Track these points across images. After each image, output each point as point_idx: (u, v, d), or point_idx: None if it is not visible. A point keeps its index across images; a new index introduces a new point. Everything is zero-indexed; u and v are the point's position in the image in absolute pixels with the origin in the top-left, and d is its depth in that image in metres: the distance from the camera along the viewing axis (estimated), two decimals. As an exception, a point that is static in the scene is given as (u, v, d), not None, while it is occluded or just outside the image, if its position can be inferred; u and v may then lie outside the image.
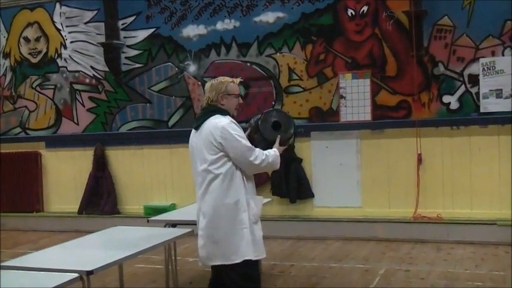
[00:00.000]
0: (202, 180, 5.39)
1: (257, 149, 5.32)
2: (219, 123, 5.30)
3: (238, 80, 5.69)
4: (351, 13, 10.10)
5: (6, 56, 12.62)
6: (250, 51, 10.74)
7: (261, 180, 10.01)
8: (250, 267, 5.33)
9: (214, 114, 5.40)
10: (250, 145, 5.30)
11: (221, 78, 5.61)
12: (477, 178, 9.51)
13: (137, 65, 11.54)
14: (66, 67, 12.11)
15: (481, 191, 9.49)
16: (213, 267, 5.52)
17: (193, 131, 5.59)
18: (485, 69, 9.37)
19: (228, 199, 5.26)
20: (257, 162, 5.27)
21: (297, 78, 10.45)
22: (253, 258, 5.29)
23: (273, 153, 5.44)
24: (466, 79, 9.54)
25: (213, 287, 5.62)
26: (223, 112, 5.44)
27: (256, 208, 5.40)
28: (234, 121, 5.38)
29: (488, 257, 8.54)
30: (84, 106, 11.99)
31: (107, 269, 5.25)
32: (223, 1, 10.85)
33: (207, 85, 5.60)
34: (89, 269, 4.91)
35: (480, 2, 9.40)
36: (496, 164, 9.41)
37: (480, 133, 9.49)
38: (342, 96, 10.12)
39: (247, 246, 5.25)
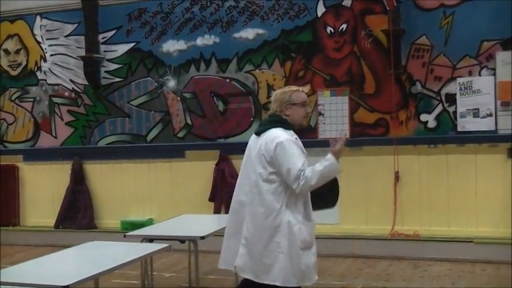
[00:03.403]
0: (249, 190, 5.29)
1: (304, 171, 5.06)
2: (277, 138, 5.19)
3: (306, 88, 5.58)
4: (330, 31, 10.17)
5: (-15, 68, 12.58)
6: (230, 67, 10.77)
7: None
8: None
9: (278, 126, 5.31)
10: (298, 168, 5.06)
11: (286, 88, 5.51)
12: (454, 196, 9.57)
13: (117, 79, 11.53)
14: (45, 80, 12.07)
15: (458, 208, 9.54)
16: (244, 279, 5.42)
17: (254, 135, 5.48)
18: (462, 88, 9.46)
19: (269, 220, 5.14)
20: (299, 189, 5.07)
21: (276, 94, 10.46)
22: (292, 285, 5.15)
23: (319, 170, 5.12)
24: (444, 98, 9.63)
25: None
26: (287, 126, 5.34)
27: (307, 235, 5.23)
28: (293, 138, 5.25)
29: (464, 274, 8.58)
30: (62, 119, 11.95)
31: (83, 284, 5.21)
32: (203, 17, 10.88)
33: (273, 95, 5.50)
34: (65, 284, 4.84)
35: (457, 22, 9.50)
36: (473, 182, 9.48)
37: (457, 151, 9.57)
38: (320, 113, 10.17)
39: (281, 271, 5.10)
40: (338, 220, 10.16)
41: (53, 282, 4.95)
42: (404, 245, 9.63)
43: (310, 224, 5.34)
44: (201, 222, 8.34)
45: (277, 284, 5.12)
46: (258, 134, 5.40)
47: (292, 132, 5.34)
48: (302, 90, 5.45)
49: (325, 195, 5.58)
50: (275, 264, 5.11)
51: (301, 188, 5.07)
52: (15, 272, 5.60)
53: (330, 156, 5.22)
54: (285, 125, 5.34)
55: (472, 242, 9.30)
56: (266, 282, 5.15)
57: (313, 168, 5.10)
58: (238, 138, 10.49)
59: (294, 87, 5.48)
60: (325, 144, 10.05)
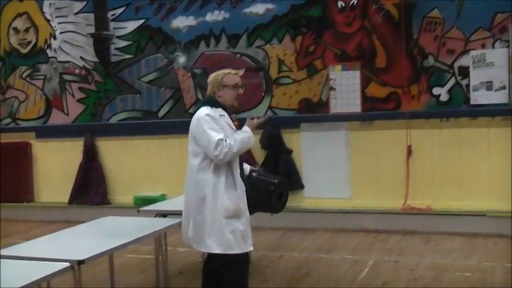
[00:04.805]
0: (188, 165, 5.56)
1: (222, 142, 5.24)
2: (198, 114, 5.44)
3: (240, 71, 5.73)
4: (341, 5, 10.11)
5: (-4, 46, 12.59)
6: (240, 43, 10.73)
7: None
8: (232, 257, 5.38)
9: (206, 105, 5.50)
10: (217, 138, 5.25)
11: (220, 71, 5.68)
12: (466, 170, 9.54)
13: (127, 56, 11.53)
14: (55, 57, 12.09)
15: (470, 182, 9.52)
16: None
17: None
18: (476, 61, 9.39)
19: (198, 192, 5.39)
20: (222, 155, 5.24)
21: (287, 69, 10.45)
22: (220, 252, 5.33)
23: (240, 138, 5.38)
24: (456, 71, 9.57)
25: (204, 270, 5.79)
26: (216, 104, 5.50)
27: (231, 204, 5.36)
28: (217, 115, 5.42)
29: (477, 248, 8.57)
30: (74, 97, 11.97)
31: (97, 258, 5.25)
32: (213, -8, 10.86)
33: (209, 78, 5.70)
34: (80, 258, 4.90)
35: (470, -6, 9.44)
36: (486, 156, 9.45)
37: (470, 125, 9.53)
38: (331, 88, 10.13)
39: (208, 239, 5.33)
40: (350, 195, 10.16)
41: (68, 256, 4.98)
42: (416, 219, 9.62)
43: (235, 193, 5.42)
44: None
45: (212, 251, 5.38)
46: (194, 114, 5.59)
47: (220, 110, 5.50)
48: (235, 73, 5.64)
49: (273, 200, 5.89)
50: (205, 233, 5.35)
51: (224, 154, 5.26)
52: (30, 247, 5.65)
53: (246, 128, 5.51)
54: (214, 103, 5.53)
55: (484, 215, 9.28)
56: (202, 250, 5.55)
57: (233, 137, 5.36)
58: (249, 113, 10.40)
59: (227, 70, 5.67)
60: (336, 118, 10.12)
